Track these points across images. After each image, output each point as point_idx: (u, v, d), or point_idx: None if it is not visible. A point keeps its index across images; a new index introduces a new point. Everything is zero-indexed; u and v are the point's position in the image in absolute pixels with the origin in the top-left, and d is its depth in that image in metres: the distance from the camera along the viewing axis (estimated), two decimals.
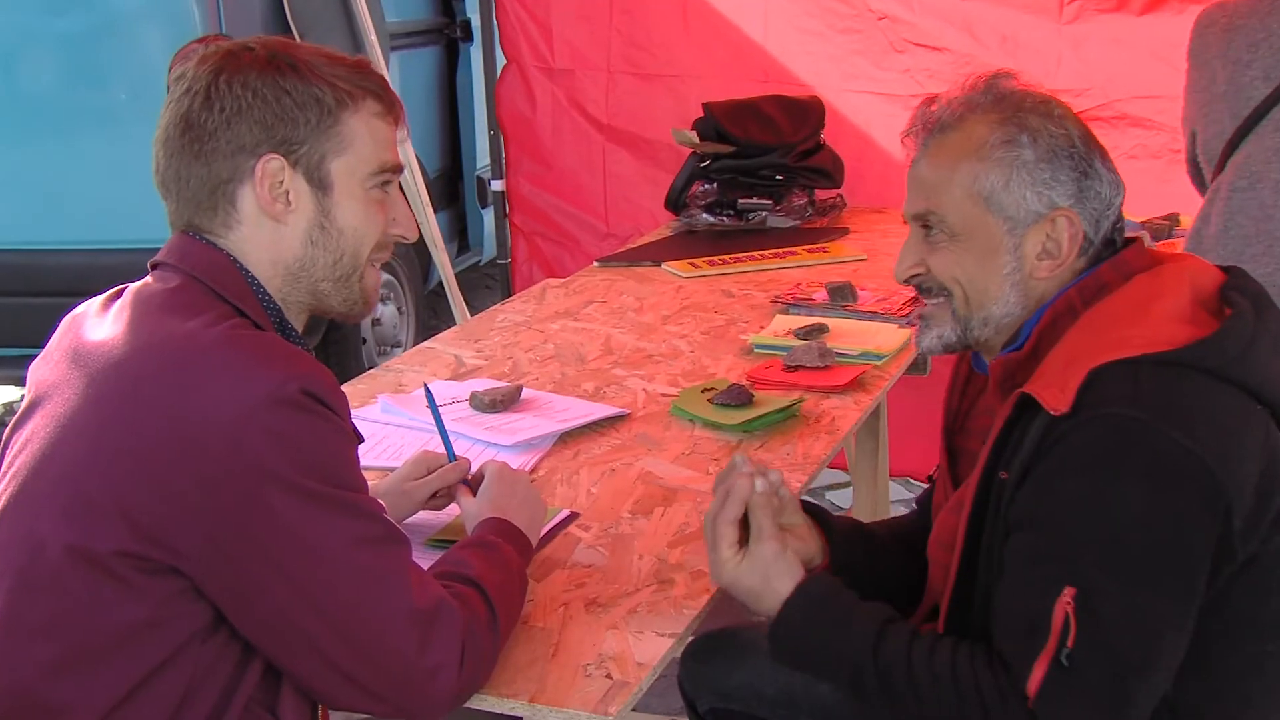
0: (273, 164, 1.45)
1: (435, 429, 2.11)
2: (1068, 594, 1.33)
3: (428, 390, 1.91)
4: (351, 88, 1.49)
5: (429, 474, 1.82)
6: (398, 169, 1.55)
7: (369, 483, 1.87)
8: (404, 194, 1.60)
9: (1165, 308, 1.46)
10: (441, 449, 1.87)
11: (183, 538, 1.32)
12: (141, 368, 1.36)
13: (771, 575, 1.52)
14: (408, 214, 1.58)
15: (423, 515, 1.84)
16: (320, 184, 1.48)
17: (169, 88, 1.49)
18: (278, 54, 1.47)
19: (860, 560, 1.72)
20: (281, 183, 1.46)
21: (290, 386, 1.33)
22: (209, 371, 1.33)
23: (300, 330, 1.54)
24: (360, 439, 1.47)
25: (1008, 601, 1.41)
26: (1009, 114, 1.54)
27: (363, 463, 2.02)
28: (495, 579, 1.50)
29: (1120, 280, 1.52)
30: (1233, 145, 2.51)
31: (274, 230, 1.48)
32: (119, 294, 1.50)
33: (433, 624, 1.37)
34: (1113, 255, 1.55)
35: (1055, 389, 1.40)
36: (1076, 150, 1.52)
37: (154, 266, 1.50)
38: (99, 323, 1.45)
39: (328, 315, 1.57)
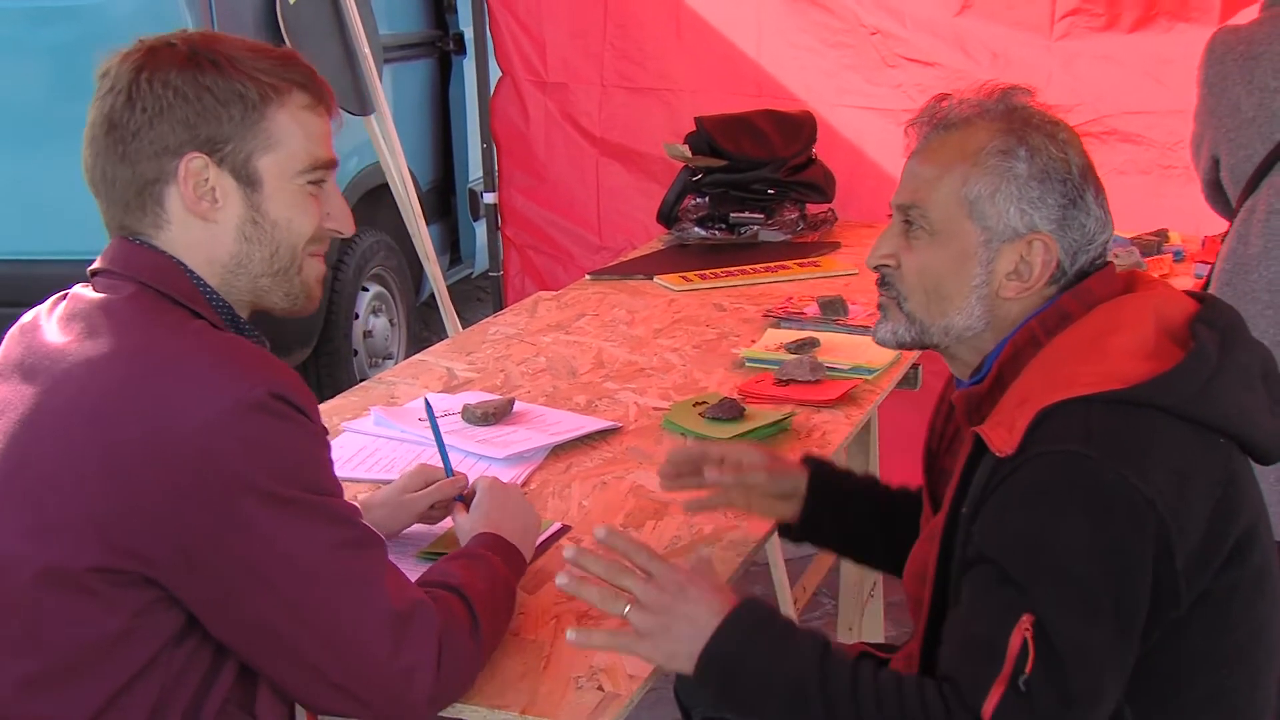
0: (195, 163, 1.43)
1: (427, 441, 2.12)
2: (1026, 620, 1.31)
3: (428, 405, 1.91)
4: (276, 80, 1.46)
5: (427, 487, 1.82)
6: (331, 164, 1.52)
7: (364, 494, 1.88)
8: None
9: (1123, 342, 1.44)
10: (440, 462, 1.87)
11: (156, 548, 1.31)
12: (106, 381, 1.35)
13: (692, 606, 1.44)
14: (343, 208, 1.55)
15: (417, 528, 1.84)
16: (248, 181, 1.46)
17: (95, 83, 1.47)
18: (199, 49, 1.44)
19: (829, 523, 1.84)
20: (206, 180, 1.44)
21: (258, 391, 1.32)
22: (174, 381, 1.33)
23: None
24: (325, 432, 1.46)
25: (962, 627, 1.39)
26: (1014, 126, 1.53)
27: (356, 475, 2.07)
28: (478, 587, 1.50)
29: (1082, 310, 1.50)
30: (1266, 168, 2.57)
31: (204, 229, 1.46)
32: (61, 301, 1.48)
33: (408, 625, 1.37)
34: (1076, 284, 1.52)
35: (1004, 429, 1.39)
36: (1071, 178, 1.51)
37: (96, 273, 1.47)
38: (50, 335, 1.43)
39: (271, 311, 1.54)
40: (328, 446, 1.42)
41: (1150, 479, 1.33)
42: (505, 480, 2.02)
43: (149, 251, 1.45)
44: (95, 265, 1.48)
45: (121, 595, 1.32)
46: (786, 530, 1.89)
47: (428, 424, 2.22)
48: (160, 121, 1.42)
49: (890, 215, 1.60)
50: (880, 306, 1.63)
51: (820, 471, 1.87)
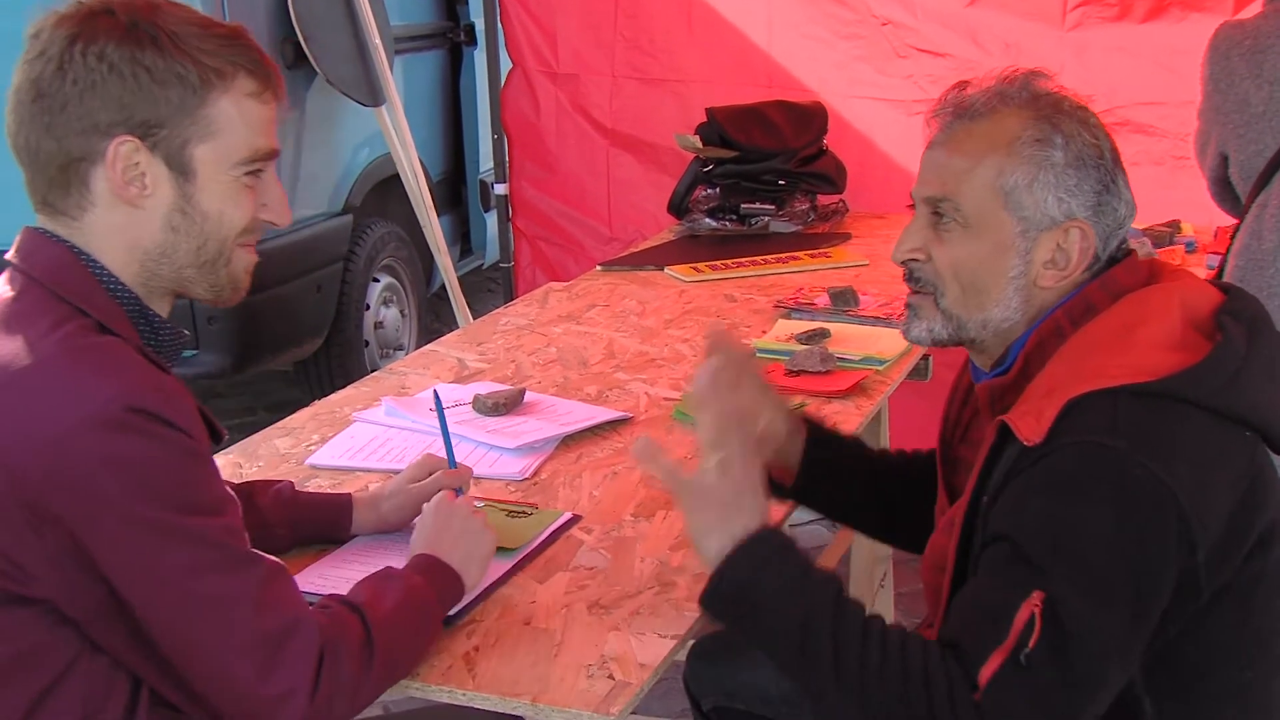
0: (126, 147, 1.35)
1: (439, 431, 2.12)
2: (1036, 596, 1.30)
3: (436, 396, 1.91)
4: (221, 64, 1.37)
5: (431, 476, 1.81)
6: (272, 154, 1.44)
7: (375, 484, 1.87)
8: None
9: (1150, 334, 1.42)
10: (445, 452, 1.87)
11: (26, 564, 1.28)
12: None
13: (740, 505, 1.42)
14: (280, 198, 1.47)
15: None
16: (181, 170, 1.38)
17: (26, 43, 1.38)
18: (140, 21, 1.35)
19: (825, 488, 1.81)
20: (137, 165, 1.36)
21: (113, 407, 1.26)
22: (29, 396, 1.27)
23: (166, 313, 1.45)
24: (219, 437, 1.42)
25: (971, 596, 1.38)
26: (1045, 113, 1.50)
27: (367, 465, 2.07)
28: (382, 607, 1.44)
29: (1108, 300, 1.49)
30: (1278, 162, 2.55)
31: (129, 215, 1.38)
32: None
33: (281, 649, 1.32)
34: (1101, 273, 1.51)
35: (1032, 419, 1.38)
36: (1104, 163, 1.49)
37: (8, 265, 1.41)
38: None
39: (197, 300, 1.47)
40: (198, 458, 1.33)
41: (1175, 473, 1.32)
42: (519, 466, 2.04)
43: (49, 244, 1.38)
44: (7, 254, 1.41)
45: (7, 615, 1.29)
46: (779, 491, 1.85)
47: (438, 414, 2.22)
48: (91, 96, 1.34)
49: (911, 207, 1.57)
50: (910, 305, 1.59)
51: (817, 436, 1.84)
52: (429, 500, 1.78)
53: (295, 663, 1.32)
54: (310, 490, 1.89)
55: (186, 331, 1.47)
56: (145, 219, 1.39)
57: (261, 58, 1.41)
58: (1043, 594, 1.30)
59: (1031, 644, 1.29)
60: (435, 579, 1.53)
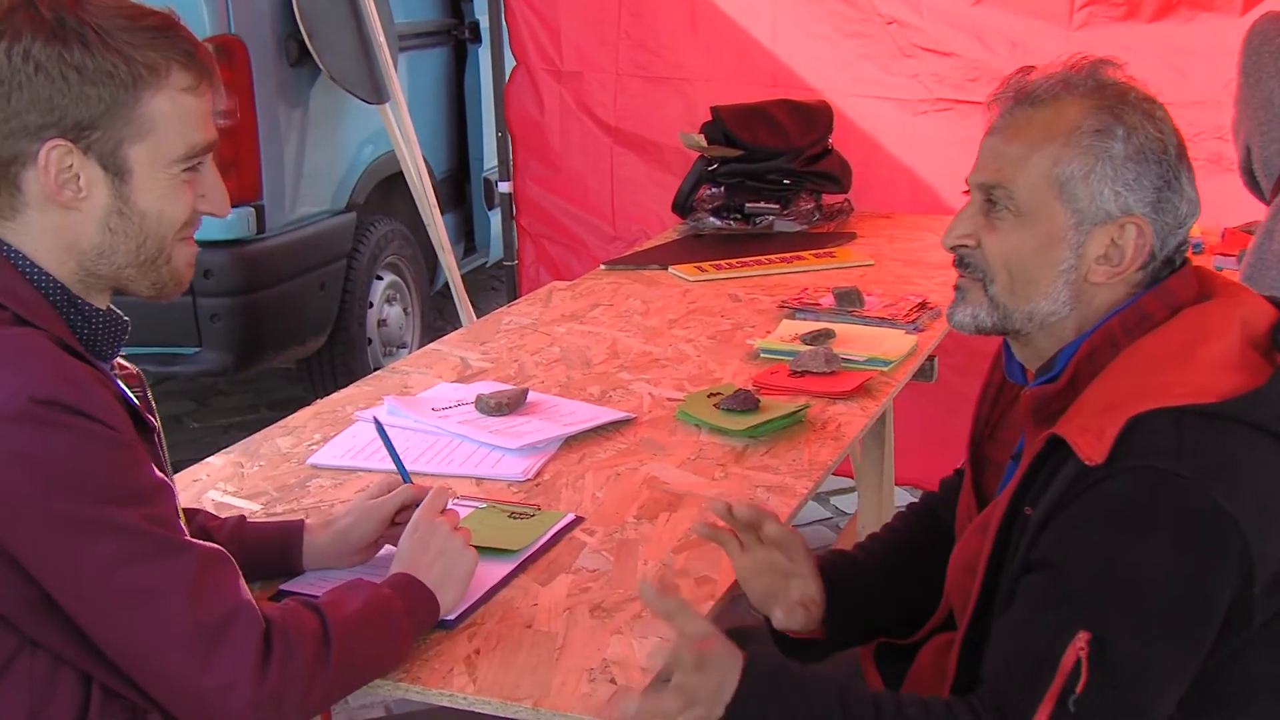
0: (57, 150, 1.32)
1: (441, 430, 2.12)
2: (1081, 638, 1.27)
3: (377, 422, 1.83)
4: (153, 59, 1.33)
5: (391, 492, 1.72)
6: (209, 147, 1.40)
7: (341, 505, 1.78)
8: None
9: (1213, 352, 1.38)
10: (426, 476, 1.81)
11: None
12: None
13: (714, 683, 1.34)
14: (218, 187, 1.43)
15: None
16: (116, 171, 1.35)
17: None
18: (65, 16, 1.30)
19: (851, 597, 1.71)
20: (70, 167, 1.33)
21: (17, 400, 1.23)
22: None
23: (104, 305, 1.42)
24: (147, 426, 1.38)
25: (1012, 640, 1.35)
26: (1109, 102, 1.45)
27: (369, 466, 2.05)
28: (346, 610, 1.41)
29: (1165, 313, 1.44)
30: None
31: (64, 216, 1.35)
32: None
33: (218, 638, 1.29)
34: (1157, 283, 1.47)
35: (1091, 436, 1.33)
36: (1167, 158, 1.45)
37: None
38: None
39: (138, 296, 1.43)
40: (116, 446, 1.29)
41: (1238, 500, 1.29)
42: (521, 467, 2.03)
43: None
44: None
45: None
46: (807, 653, 1.72)
47: (441, 414, 2.23)
48: (18, 98, 1.30)
49: (967, 193, 1.54)
50: (958, 288, 1.56)
51: (829, 564, 1.74)
52: (387, 516, 1.70)
53: (235, 652, 1.29)
54: (260, 521, 1.79)
55: (127, 318, 1.44)
56: (81, 220, 1.36)
57: (195, 48, 1.37)
58: (1089, 635, 1.27)
59: (1080, 689, 1.26)
60: (406, 594, 1.50)
